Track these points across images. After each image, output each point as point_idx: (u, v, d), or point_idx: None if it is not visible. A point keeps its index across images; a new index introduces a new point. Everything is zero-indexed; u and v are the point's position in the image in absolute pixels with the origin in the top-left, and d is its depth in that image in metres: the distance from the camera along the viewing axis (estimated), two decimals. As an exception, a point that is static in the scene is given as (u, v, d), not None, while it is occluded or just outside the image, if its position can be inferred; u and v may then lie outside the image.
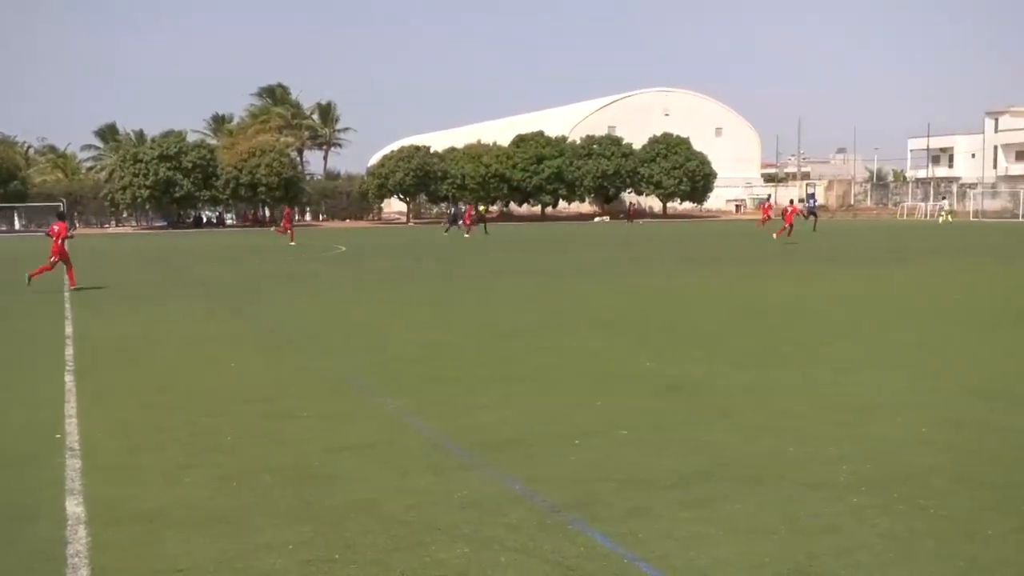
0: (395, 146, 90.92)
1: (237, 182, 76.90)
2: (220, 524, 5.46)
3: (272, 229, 53.91)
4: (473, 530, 5.27)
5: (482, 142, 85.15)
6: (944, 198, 71.56)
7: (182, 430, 7.72)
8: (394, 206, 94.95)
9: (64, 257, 19.89)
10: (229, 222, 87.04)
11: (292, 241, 44.97)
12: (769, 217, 48.76)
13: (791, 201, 47.75)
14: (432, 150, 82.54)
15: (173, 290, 21.09)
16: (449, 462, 6.64)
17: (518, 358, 10.95)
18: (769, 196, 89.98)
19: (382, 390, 9.18)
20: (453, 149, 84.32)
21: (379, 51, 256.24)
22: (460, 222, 55.69)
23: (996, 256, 29.18)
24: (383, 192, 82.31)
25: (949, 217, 65.17)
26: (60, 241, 19.76)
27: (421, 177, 78.83)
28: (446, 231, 56.04)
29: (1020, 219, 65.34)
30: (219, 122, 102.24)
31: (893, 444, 6.88)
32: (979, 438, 7.02)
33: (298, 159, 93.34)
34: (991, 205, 72.04)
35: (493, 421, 7.82)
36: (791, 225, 38.85)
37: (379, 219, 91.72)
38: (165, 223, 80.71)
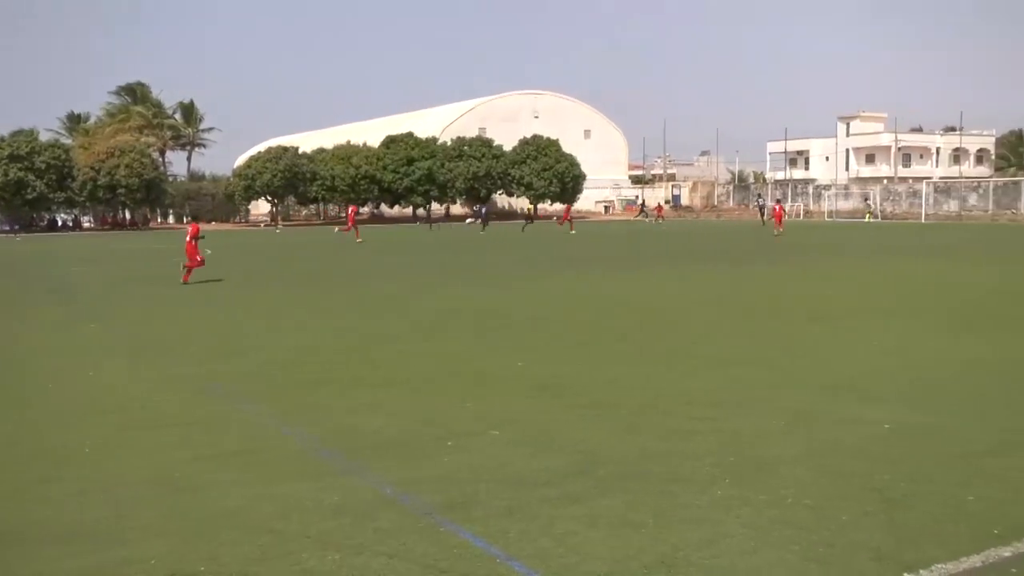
0: (262, 147, 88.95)
1: (95, 183, 73.80)
2: (78, 540, 5.25)
3: (336, 229, 52.81)
4: (344, 536, 5.22)
5: (352, 143, 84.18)
6: (867, 199, 73.42)
7: (37, 444, 7.38)
8: (262, 208, 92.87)
9: (190, 254, 22.17)
10: (87, 225, 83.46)
11: (359, 239, 44.53)
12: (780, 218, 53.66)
13: (777, 201, 56.43)
14: (301, 151, 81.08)
15: (24, 297, 20.10)
16: (320, 468, 6.56)
17: (391, 361, 10.89)
18: (637, 197, 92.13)
19: (251, 396, 8.99)
20: (322, 150, 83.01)
21: (245, 49, 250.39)
22: (483, 220, 59.02)
23: (851, 254, 30.58)
24: (250, 194, 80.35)
25: (868, 217, 67.43)
26: (193, 241, 22.13)
27: (289, 178, 77.30)
28: (483, 230, 57.41)
29: (869, 219, 68.57)
30: (75, 121, 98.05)
31: (753, 437, 7.15)
32: (831, 429, 7.36)
33: (160, 160, 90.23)
34: (844, 205, 75.31)
35: (366, 425, 7.76)
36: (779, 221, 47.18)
37: (246, 222, 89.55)
38: (16, 227, 76.73)
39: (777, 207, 50.06)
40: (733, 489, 5.90)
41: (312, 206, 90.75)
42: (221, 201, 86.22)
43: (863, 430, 7.30)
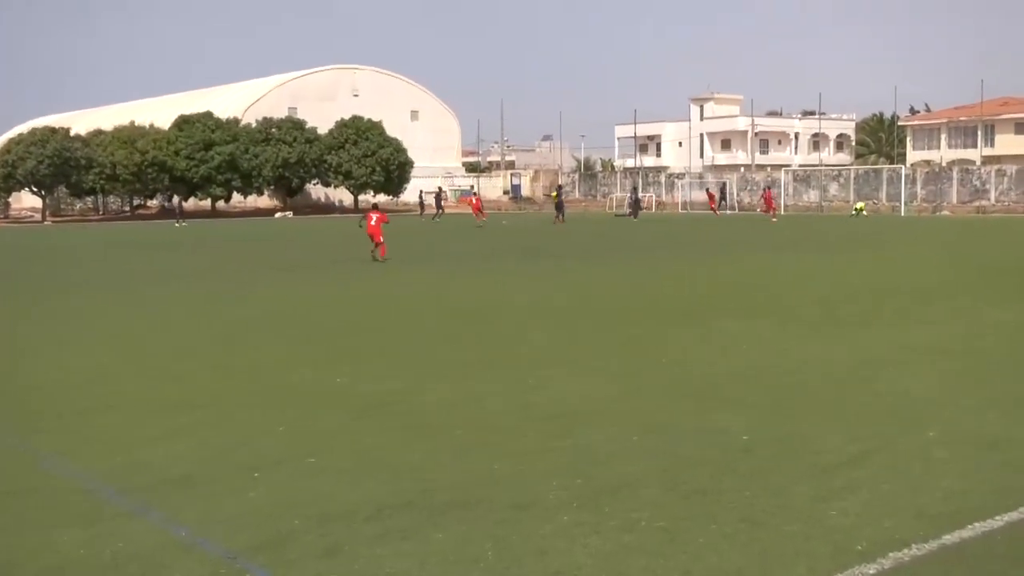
0: (24, 128, 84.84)
1: None
2: None
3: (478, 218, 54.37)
4: (132, 589, 5.05)
5: (136, 124, 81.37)
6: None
7: None
8: (25, 201, 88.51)
9: (378, 236, 27.97)
10: None
11: (480, 221, 51.64)
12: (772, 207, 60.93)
13: (767, 188, 64.27)
14: (73, 132, 77.79)
15: None
16: (102, 510, 6.33)
17: (188, 380, 10.61)
18: (472, 187, 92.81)
19: (14, 427, 8.60)
20: (100, 132, 79.87)
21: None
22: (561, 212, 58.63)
23: (709, 250, 31.75)
24: (10, 184, 76.43)
25: (864, 211, 63.26)
26: (378, 225, 28.00)
27: (60, 165, 73.91)
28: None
29: (728, 212, 71.34)
30: None
31: (603, 454, 7.33)
32: (688, 442, 7.63)
33: None
34: (700, 196, 77.91)
35: (158, 457, 7.53)
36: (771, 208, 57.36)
37: (6, 217, 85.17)
38: None
39: (767, 192, 60.46)
40: (581, 514, 6.03)
41: (88, 199, 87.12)
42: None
43: (722, 442, 7.60)
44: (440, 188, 72.60)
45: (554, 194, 63.20)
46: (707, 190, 72.29)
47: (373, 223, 28.48)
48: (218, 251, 35.88)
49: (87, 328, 15.22)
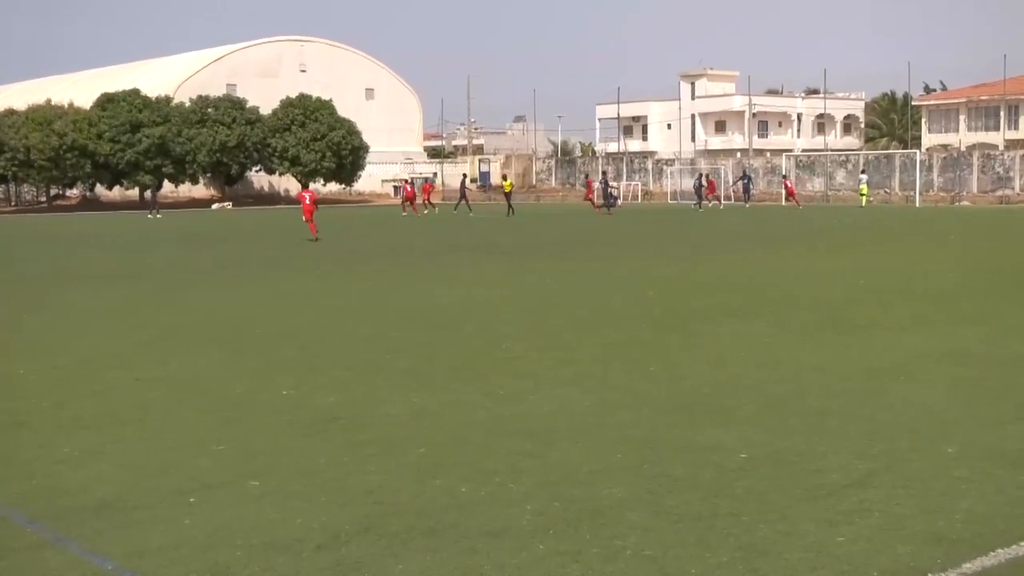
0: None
1: None
2: None
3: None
4: (51, 630, 5.03)
5: (53, 103, 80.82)
6: (864, 171, 70.13)
7: None
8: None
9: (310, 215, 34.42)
10: None
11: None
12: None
13: (784, 177, 69.22)
14: (-19, 113, 77.22)
15: None
16: (15, 540, 6.30)
17: (111, 393, 10.55)
18: (435, 174, 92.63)
19: (-86, 448, 8.51)
20: (12, 112, 79.26)
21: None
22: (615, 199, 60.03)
23: (701, 246, 31.88)
24: (-90, 171, 75.84)
25: (865, 198, 63.52)
26: (311, 203, 34.53)
27: (-35, 150, 73.48)
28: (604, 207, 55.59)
29: (723, 202, 71.48)
30: None
31: (583, 474, 7.35)
32: (678, 460, 7.66)
33: None
34: (692, 184, 77.98)
35: (80, 479, 7.50)
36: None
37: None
38: None
39: (788, 184, 64.99)
40: (559, 542, 6.04)
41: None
42: None
43: (715, 460, 7.63)
44: (465, 175, 71.63)
45: (507, 182, 61.77)
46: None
47: (307, 202, 34.47)
48: (162, 245, 35.69)
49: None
